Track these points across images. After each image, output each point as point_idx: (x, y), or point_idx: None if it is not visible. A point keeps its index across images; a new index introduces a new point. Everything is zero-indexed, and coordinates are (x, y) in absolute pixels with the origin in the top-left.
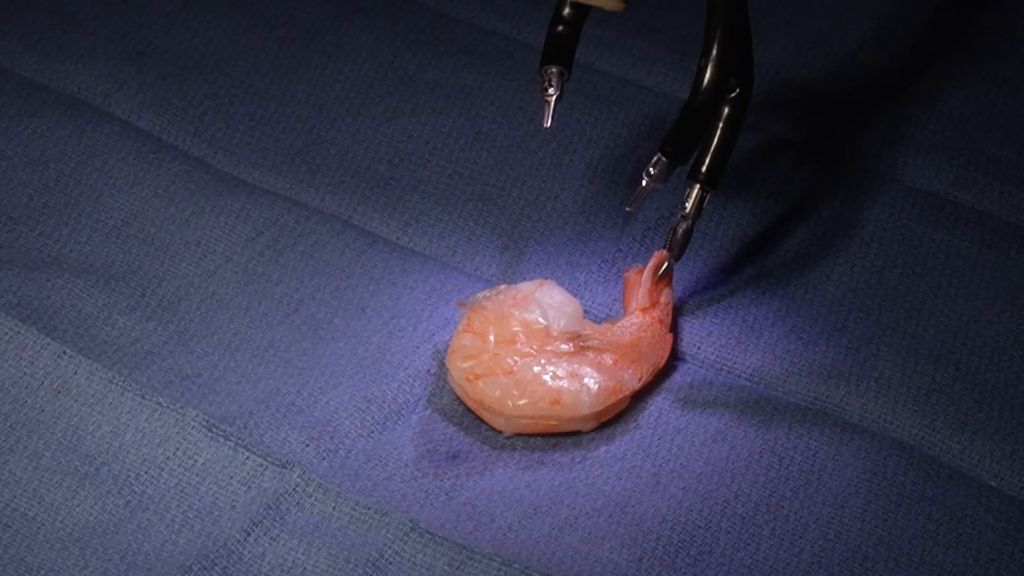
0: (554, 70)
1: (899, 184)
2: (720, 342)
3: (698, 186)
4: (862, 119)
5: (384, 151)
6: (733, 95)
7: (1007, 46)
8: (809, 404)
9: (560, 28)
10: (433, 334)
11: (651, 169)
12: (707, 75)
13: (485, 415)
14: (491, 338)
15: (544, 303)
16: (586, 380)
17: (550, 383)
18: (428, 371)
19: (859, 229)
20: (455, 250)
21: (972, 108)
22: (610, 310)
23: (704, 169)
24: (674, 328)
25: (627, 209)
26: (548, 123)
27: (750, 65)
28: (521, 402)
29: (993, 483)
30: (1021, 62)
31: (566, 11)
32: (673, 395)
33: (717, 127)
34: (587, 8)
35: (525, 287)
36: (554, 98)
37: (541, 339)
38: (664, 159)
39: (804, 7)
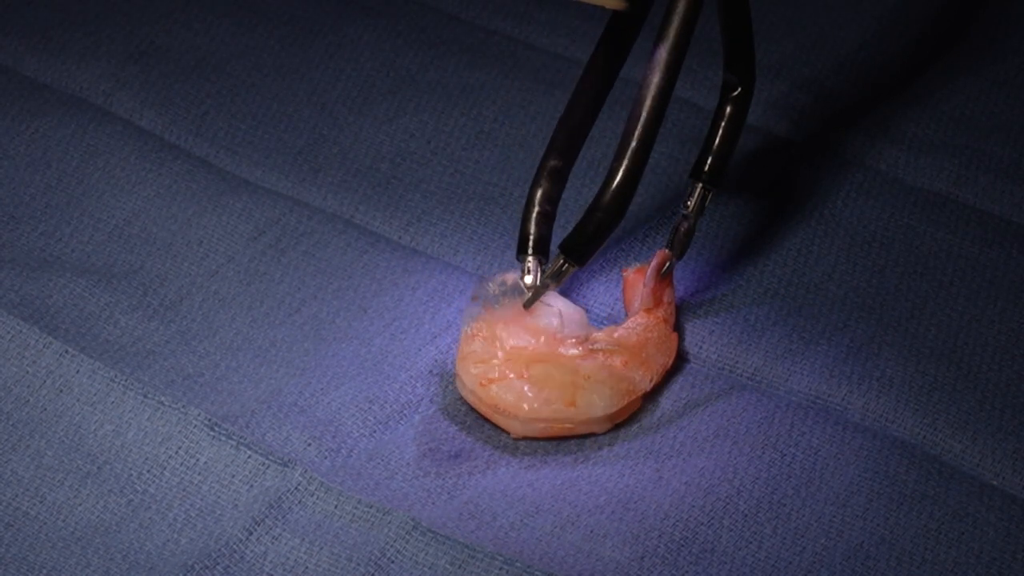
0: (532, 260)
1: (900, 183)
2: (721, 341)
3: (700, 185)
4: (863, 118)
5: (386, 150)
6: (735, 94)
7: (1007, 46)
8: (811, 403)
9: (537, 211)
10: (436, 335)
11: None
12: (615, 181)
13: (499, 420)
14: (500, 343)
15: (551, 309)
16: (599, 382)
17: (563, 386)
18: (430, 371)
19: (860, 228)
20: (457, 249)
21: (973, 107)
22: (611, 309)
23: (706, 168)
24: (676, 327)
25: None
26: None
27: (752, 64)
28: (536, 405)
29: (995, 482)
30: (1022, 62)
31: (542, 189)
32: (675, 394)
33: (720, 126)
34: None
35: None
36: (532, 289)
37: (550, 343)
38: (564, 260)
39: (806, 6)
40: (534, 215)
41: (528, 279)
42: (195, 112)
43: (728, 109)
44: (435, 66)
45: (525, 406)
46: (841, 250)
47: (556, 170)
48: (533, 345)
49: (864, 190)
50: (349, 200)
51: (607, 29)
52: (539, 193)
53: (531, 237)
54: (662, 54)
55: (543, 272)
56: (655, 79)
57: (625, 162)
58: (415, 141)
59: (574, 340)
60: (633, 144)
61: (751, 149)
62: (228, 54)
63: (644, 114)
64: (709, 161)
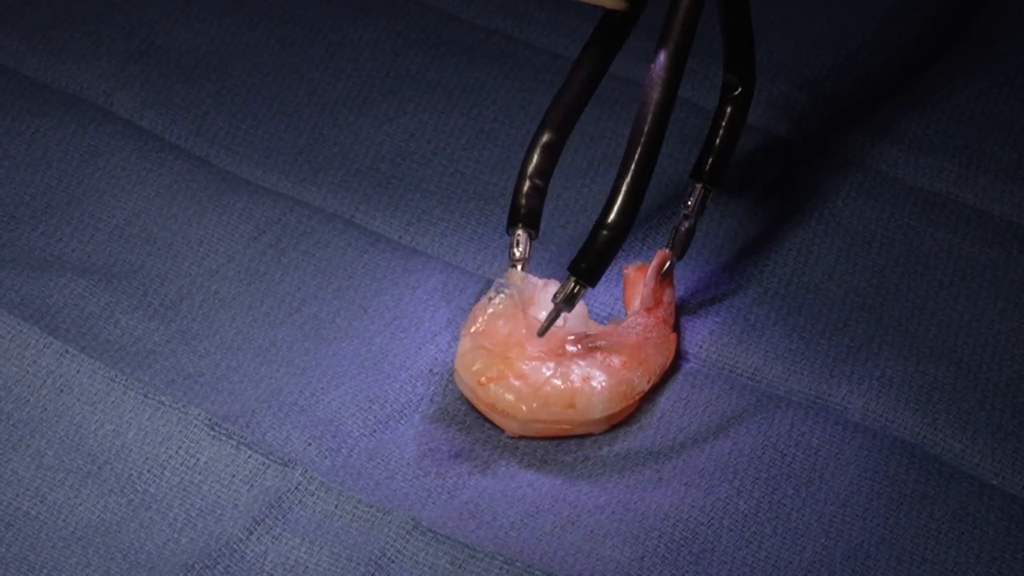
0: (521, 232)
1: (901, 183)
2: (722, 341)
3: (700, 185)
4: (863, 118)
5: (386, 150)
6: (735, 94)
7: (1007, 45)
8: (811, 403)
9: (528, 184)
10: (435, 334)
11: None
12: (619, 198)
13: (497, 419)
14: (500, 341)
15: (550, 304)
16: (598, 383)
17: (563, 386)
18: (430, 371)
19: (860, 228)
20: (457, 249)
21: (973, 107)
22: (612, 308)
23: (707, 168)
24: (676, 327)
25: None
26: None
27: (752, 64)
28: (535, 405)
29: (995, 482)
30: (1022, 62)
31: (534, 162)
32: (675, 394)
33: (720, 126)
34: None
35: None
36: (521, 262)
37: (548, 340)
38: (574, 282)
39: (806, 6)
40: (525, 188)
41: (517, 251)
42: (195, 112)
43: (728, 109)
44: (435, 66)
45: (523, 407)
46: (841, 250)
47: (549, 145)
48: (533, 344)
49: (864, 190)
50: (349, 200)
51: (602, 20)
52: (531, 167)
53: (522, 209)
54: (664, 63)
55: (531, 262)
56: (656, 96)
57: (628, 178)
58: (415, 141)
59: (573, 338)
60: (636, 159)
61: (751, 149)
62: (228, 54)
63: (647, 129)
64: (709, 161)
